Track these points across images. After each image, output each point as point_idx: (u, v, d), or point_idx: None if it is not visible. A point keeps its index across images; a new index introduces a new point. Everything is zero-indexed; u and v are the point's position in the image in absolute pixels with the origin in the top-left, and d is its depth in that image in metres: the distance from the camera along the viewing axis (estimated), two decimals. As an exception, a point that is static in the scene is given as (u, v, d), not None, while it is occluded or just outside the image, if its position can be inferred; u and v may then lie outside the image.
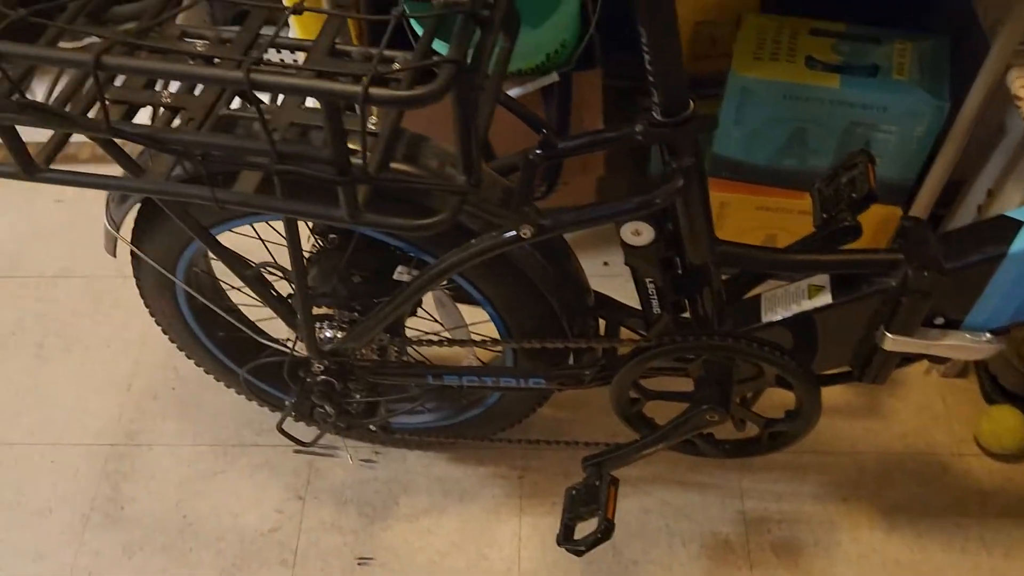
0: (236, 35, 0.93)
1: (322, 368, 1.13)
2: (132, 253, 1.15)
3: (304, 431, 1.42)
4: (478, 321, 1.19)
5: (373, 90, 0.66)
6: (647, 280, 1.01)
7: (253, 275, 1.01)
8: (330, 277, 1.14)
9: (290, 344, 1.19)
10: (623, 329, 1.13)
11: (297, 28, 1.41)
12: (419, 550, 1.33)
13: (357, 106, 0.66)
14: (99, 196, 1.84)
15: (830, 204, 1.10)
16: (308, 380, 1.14)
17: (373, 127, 0.86)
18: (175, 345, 1.30)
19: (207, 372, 1.36)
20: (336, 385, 1.14)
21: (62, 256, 1.71)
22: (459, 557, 1.32)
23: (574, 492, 1.16)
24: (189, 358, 1.33)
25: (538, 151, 0.93)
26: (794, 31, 1.30)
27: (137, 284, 1.20)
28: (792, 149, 1.35)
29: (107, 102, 0.82)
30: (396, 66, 0.81)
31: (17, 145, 0.80)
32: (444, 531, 1.35)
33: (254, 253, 1.09)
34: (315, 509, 1.38)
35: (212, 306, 1.17)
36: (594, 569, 1.30)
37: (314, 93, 0.67)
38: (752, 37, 1.30)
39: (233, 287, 1.24)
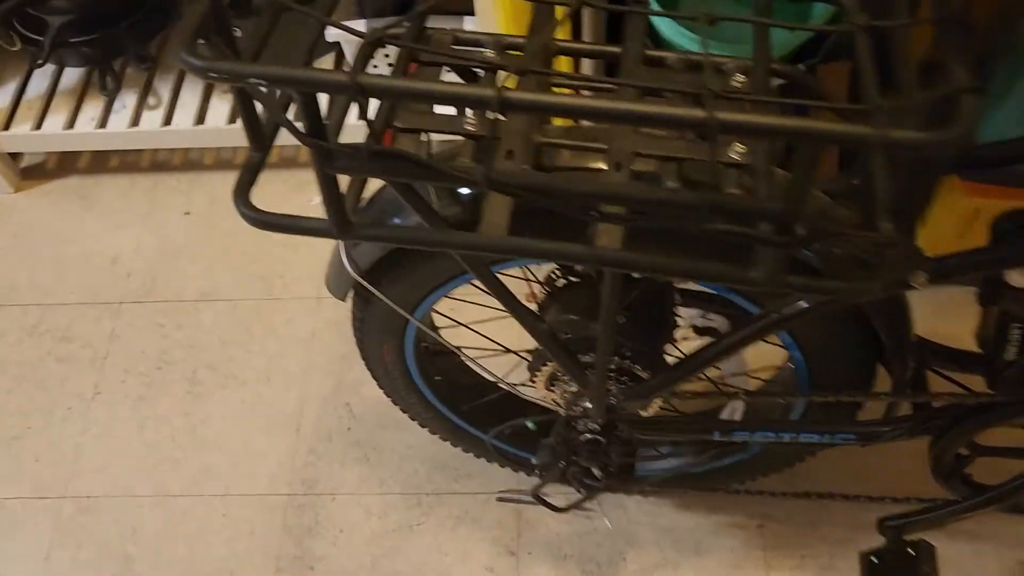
0: (527, 41, 0.77)
1: (596, 427, 0.96)
2: (357, 296, 0.99)
3: (482, 474, 1.26)
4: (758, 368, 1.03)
5: (898, 132, 0.50)
6: (1015, 326, 0.85)
7: (547, 329, 0.84)
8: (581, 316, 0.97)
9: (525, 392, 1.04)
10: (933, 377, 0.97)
11: (497, 20, 1.23)
12: (658, 613, 1.18)
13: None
14: (231, 210, 1.68)
15: None
16: (574, 440, 0.98)
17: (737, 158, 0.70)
18: (382, 392, 1.14)
19: (411, 418, 1.20)
20: (603, 444, 0.98)
21: (200, 276, 1.55)
22: (705, 621, 1.17)
23: (874, 559, 1.01)
24: (406, 412, 1.17)
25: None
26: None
27: (357, 327, 1.04)
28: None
29: (394, 132, 0.66)
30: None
31: (336, 200, 0.63)
32: (682, 590, 1.20)
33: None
34: (531, 566, 1.23)
35: (477, 362, 1.00)
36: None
37: (815, 137, 0.50)
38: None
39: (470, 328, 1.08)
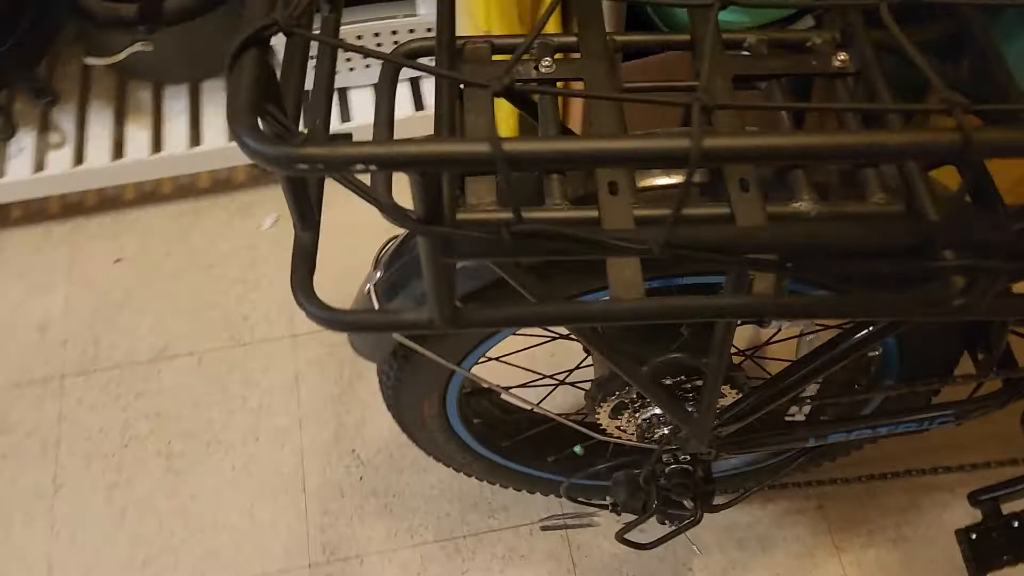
0: (580, 39, 0.66)
1: (685, 456, 0.87)
2: (392, 356, 0.85)
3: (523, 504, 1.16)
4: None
5: None
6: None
7: (648, 374, 0.73)
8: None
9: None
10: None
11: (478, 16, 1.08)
12: (737, 621, 1.11)
13: None
14: (169, 249, 1.48)
15: None
16: (659, 471, 0.88)
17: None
18: (418, 446, 1.01)
19: (446, 464, 1.07)
20: (693, 471, 0.88)
21: (151, 332, 1.35)
22: (787, 620, 1.11)
23: (973, 535, 0.96)
24: (440, 460, 1.05)
25: None
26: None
27: (390, 387, 0.90)
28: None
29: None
30: None
31: (447, 289, 0.50)
32: (757, 591, 1.13)
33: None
34: (594, 596, 1.14)
35: (536, 407, 0.88)
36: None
37: None
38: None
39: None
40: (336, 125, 1.36)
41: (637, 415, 0.91)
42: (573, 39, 0.65)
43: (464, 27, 1.17)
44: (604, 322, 0.57)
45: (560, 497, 1.17)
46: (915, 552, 1.15)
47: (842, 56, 0.64)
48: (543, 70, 0.63)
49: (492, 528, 1.18)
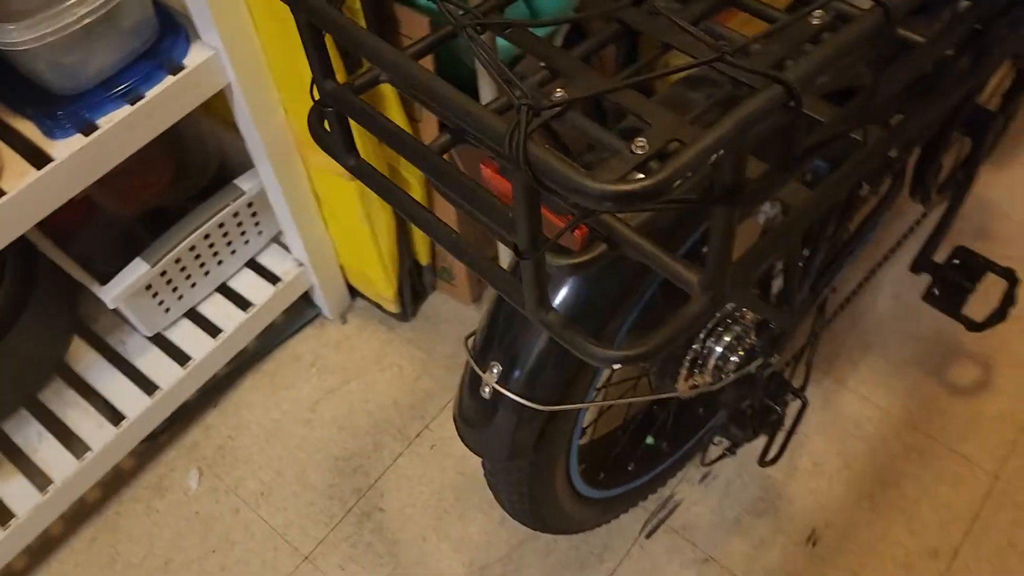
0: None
1: (771, 362, 0.97)
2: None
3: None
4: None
5: None
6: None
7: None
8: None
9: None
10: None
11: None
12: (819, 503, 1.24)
13: None
14: None
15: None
16: (759, 383, 0.97)
17: None
18: (549, 532, 1.00)
19: (560, 532, 1.07)
20: (782, 372, 0.99)
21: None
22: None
23: (936, 291, 1.18)
24: (558, 532, 1.04)
25: None
26: None
27: (524, 480, 0.89)
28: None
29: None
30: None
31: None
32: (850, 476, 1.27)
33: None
34: (725, 550, 1.19)
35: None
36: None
37: None
38: None
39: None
40: (207, 348, 1.26)
41: (707, 362, 0.99)
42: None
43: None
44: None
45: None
46: (881, 341, 1.37)
47: None
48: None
49: (611, 570, 1.19)
